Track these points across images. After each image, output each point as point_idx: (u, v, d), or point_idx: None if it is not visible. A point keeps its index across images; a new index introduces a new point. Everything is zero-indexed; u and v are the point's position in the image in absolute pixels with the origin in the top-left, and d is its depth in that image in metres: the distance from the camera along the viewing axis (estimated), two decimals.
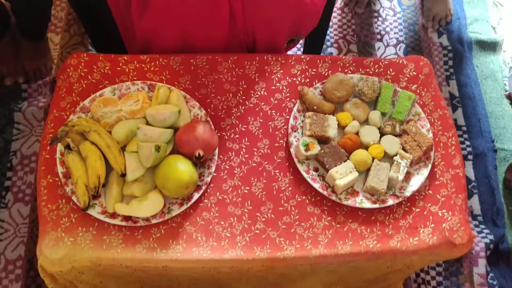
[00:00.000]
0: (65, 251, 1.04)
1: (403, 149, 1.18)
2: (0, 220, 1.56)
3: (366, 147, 1.18)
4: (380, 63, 1.30)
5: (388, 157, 1.18)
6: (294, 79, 1.27)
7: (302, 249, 1.08)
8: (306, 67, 1.29)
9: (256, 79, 1.26)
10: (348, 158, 1.16)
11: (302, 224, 1.11)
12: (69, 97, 1.19)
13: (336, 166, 1.14)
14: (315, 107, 1.20)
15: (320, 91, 1.24)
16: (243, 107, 1.23)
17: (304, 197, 1.14)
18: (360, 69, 1.29)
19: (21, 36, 1.76)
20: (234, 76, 1.26)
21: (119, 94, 1.19)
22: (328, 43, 1.98)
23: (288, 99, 1.25)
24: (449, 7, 2.05)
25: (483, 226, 1.65)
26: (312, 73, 1.28)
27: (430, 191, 1.17)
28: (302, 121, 1.21)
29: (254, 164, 1.17)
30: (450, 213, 1.14)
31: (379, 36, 2.01)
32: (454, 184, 1.17)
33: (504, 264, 1.61)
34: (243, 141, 1.19)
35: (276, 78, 1.27)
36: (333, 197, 1.12)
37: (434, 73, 1.34)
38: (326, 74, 1.28)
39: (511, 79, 1.95)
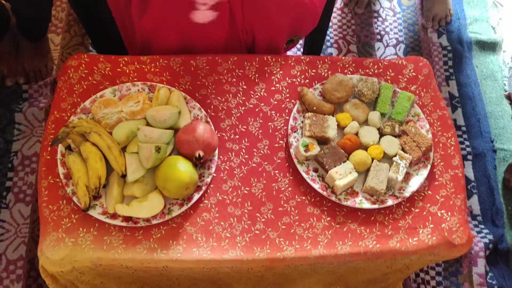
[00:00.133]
0: (66, 251, 1.04)
1: (403, 149, 1.19)
2: (1, 221, 1.57)
3: (365, 147, 1.19)
4: (380, 64, 1.31)
5: (387, 158, 1.18)
6: (294, 80, 1.27)
7: (301, 249, 1.09)
8: (306, 67, 1.29)
9: (256, 80, 1.27)
10: (347, 159, 1.16)
11: (302, 224, 1.12)
12: (70, 98, 1.20)
13: (335, 166, 1.14)
14: (314, 108, 1.21)
15: (320, 91, 1.25)
16: (243, 108, 1.24)
17: (303, 197, 1.15)
18: (360, 70, 1.30)
19: (22, 37, 1.77)
20: (234, 77, 1.26)
21: (119, 95, 1.19)
22: (328, 44, 1.98)
23: (287, 99, 1.25)
24: (449, 7, 2.05)
25: (482, 226, 1.66)
26: (312, 73, 1.29)
27: (429, 192, 1.17)
28: (302, 121, 1.21)
29: (254, 165, 1.17)
30: (449, 213, 1.14)
31: (379, 37, 2.01)
32: (453, 184, 1.18)
33: (503, 264, 1.62)
34: (243, 141, 1.20)
35: (276, 79, 1.27)
36: (333, 198, 1.13)
37: (434, 73, 1.35)
38: (325, 75, 1.28)
39: (510, 79, 1.96)
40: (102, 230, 1.07)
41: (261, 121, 1.22)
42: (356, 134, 1.20)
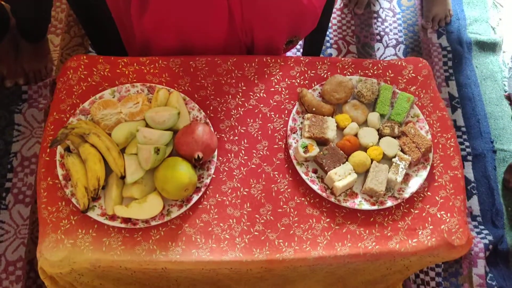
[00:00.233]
0: (65, 253, 1.04)
1: (402, 150, 1.18)
2: (1, 222, 1.57)
3: (365, 148, 1.19)
4: (379, 65, 1.31)
5: (386, 159, 1.18)
6: (293, 81, 1.27)
7: (301, 250, 1.09)
8: (305, 69, 1.29)
9: (255, 81, 1.27)
10: (347, 160, 1.16)
11: (301, 225, 1.12)
12: (69, 99, 1.20)
13: (335, 167, 1.14)
14: (314, 109, 1.20)
15: (319, 93, 1.25)
16: (242, 109, 1.23)
17: (303, 198, 1.15)
18: (359, 71, 1.29)
19: (21, 38, 1.77)
20: (233, 78, 1.26)
21: (118, 96, 1.19)
22: (328, 44, 1.98)
23: (287, 101, 1.25)
24: (448, 7, 2.05)
25: (482, 227, 1.66)
26: (311, 74, 1.28)
27: (428, 193, 1.17)
28: (301, 122, 1.21)
29: (253, 166, 1.17)
30: (448, 214, 1.14)
31: (378, 37, 2.01)
32: (452, 185, 1.18)
33: (503, 265, 1.61)
34: (242, 142, 1.20)
35: (275, 80, 1.27)
36: (332, 199, 1.13)
37: (433, 74, 1.35)
38: (325, 76, 1.28)
39: (510, 79, 1.95)
40: (101, 231, 1.07)
41: (260, 122, 1.22)
42: (356, 135, 1.20)
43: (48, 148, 1.13)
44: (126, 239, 1.07)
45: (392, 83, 1.29)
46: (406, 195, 1.15)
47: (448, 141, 1.23)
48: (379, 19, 2.05)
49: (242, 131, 1.21)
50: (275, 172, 1.17)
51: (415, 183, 1.16)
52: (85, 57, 1.25)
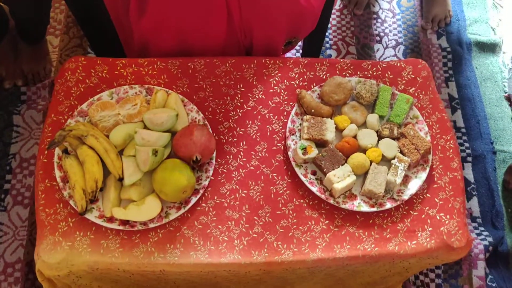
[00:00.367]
0: (63, 255, 1.04)
1: (401, 152, 1.18)
2: None
3: (364, 150, 1.18)
4: (378, 66, 1.30)
5: (386, 161, 1.18)
6: (292, 82, 1.27)
7: (299, 252, 1.08)
8: (304, 70, 1.29)
9: (254, 82, 1.26)
10: (346, 162, 1.16)
11: (300, 227, 1.11)
12: (67, 101, 1.19)
13: (334, 169, 1.13)
14: (313, 110, 1.20)
15: (318, 94, 1.24)
16: (241, 111, 1.23)
17: (301, 200, 1.14)
18: (358, 72, 1.29)
19: (20, 39, 1.77)
20: (232, 80, 1.26)
21: (117, 98, 1.19)
22: (327, 45, 1.98)
23: (286, 102, 1.25)
24: (448, 8, 2.05)
25: (482, 228, 1.65)
26: (310, 76, 1.28)
27: (428, 195, 1.17)
28: (300, 124, 1.21)
29: (252, 168, 1.17)
30: (448, 216, 1.14)
31: (378, 38, 2.01)
32: (452, 187, 1.17)
33: (503, 266, 1.61)
34: (241, 144, 1.19)
35: (274, 81, 1.27)
36: (331, 201, 1.12)
37: (433, 75, 1.34)
38: (324, 77, 1.28)
39: (510, 80, 1.95)
40: (99, 233, 1.07)
41: (259, 123, 1.22)
42: (355, 136, 1.19)
43: (46, 150, 1.12)
44: (124, 241, 1.06)
45: (391, 84, 1.28)
46: (405, 197, 1.14)
47: (448, 143, 1.23)
48: (379, 20, 2.05)
49: (240, 132, 1.21)
50: (274, 174, 1.17)
51: (414, 185, 1.16)
52: (83, 58, 1.25)
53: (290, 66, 1.29)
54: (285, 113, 1.23)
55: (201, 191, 1.11)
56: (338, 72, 1.29)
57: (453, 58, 1.97)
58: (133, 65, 1.25)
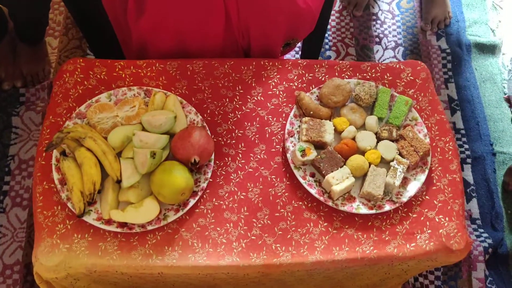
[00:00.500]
0: (61, 258, 1.03)
1: (400, 154, 1.18)
2: None
3: (362, 152, 1.18)
4: (377, 68, 1.30)
5: (384, 163, 1.18)
6: (291, 84, 1.27)
7: (298, 255, 1.08)
8: (303, 72, 1.28)
9: (253, 84, 1.26)
10: (344, 164, 1.15)
11: (299, 230, 1.11)
12: (65, 103, 1.19)
13: (332, 171, 1.13)
14: (311, 112, 1.20)
15: (317, 96, 1.24)
16: (239, 112, 1.23)
17: (300, 202, 1.14)
18: (357, 74, 1.29)
19: (19, 40, 1.77)
20: (230, 81, 1.26)
21: (115, 100, 1.19)
22: (327, 46, 1.97)
23: (284, 104, 1.25)
24: (448, 9, 2.04)
25: (481, 230, 1.65)
26: (309, 78, 1.28)
27: (427, 197, 1.16)
28: (299, 126, 1.21)
29: (250, 170, 1.17)
30: (447, 218, 1.14)
31: (377, 39, 2.00)
32: (451, 189, 1.17)
33: (503, 268, 1.61)
34: (240, 146, 1.19)
35: (273, 83, 1.27)
36: (330, 203, 1.12)
37: (432, 77, 1.34)
38: (323, 79, 1.27)
39: (510, 82, 1.95)
40: (97, 236, 1.07)
41: (257, 125, 1.22)
42: (353, 138, 1.19)
43: (44, 152, 1.12)
44: (122, 244, 1.06)
45: (390, 86, 1.28)
46: (404, 199, 1.14)
47: (447, 145, 1.22)
48: (378, 21, 2.05)
49: (239, 134, 1.20)
50: (273, 176, 1.16)
51: (413, 187, 1.15)
52: (81, 60, 1.24)
53: (289, 67, 1.28)
54: (283, 115, 1.23)
55: (200, 193, 1.11)
56: (337, 74, 1.28)
57: (452, 60, 1.97)
58: (131, 66, 1.25)
